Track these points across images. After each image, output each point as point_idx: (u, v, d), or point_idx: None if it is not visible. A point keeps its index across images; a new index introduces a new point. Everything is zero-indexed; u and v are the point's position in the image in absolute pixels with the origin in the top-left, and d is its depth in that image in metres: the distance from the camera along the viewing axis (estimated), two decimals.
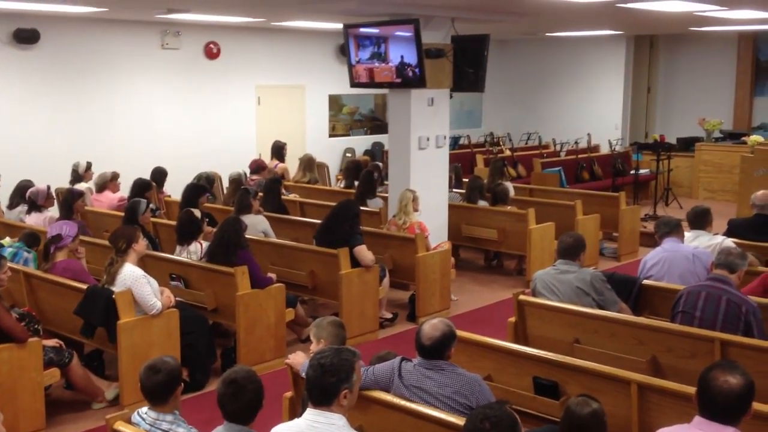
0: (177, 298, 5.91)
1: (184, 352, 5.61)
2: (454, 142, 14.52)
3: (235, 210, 7.41)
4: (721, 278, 4.70)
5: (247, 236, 6.60)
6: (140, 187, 8.32)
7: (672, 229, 5.74)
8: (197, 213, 6.94)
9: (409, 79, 7.81)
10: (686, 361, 4.45)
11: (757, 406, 3.04)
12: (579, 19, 10.30)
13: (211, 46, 12.11)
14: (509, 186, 9.62)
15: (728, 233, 6.72)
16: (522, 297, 5.26)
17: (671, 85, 15.67)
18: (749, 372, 3.04)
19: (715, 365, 3.03)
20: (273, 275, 6.51)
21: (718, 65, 14.81)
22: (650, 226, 10.94)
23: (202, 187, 8.27)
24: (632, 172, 12.74)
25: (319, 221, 7.36)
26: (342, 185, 10.56)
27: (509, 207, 9.02)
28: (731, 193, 12.34)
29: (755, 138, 12.50)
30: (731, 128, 14.33)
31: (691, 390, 3.02)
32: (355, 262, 6.75)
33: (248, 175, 9.94)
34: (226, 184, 9.81)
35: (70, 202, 7.63)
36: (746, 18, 10.12)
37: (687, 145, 13.81)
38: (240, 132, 12.62)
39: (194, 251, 6.53)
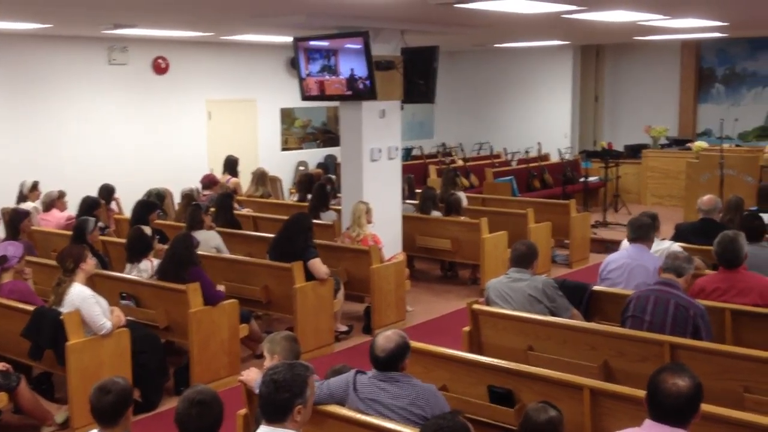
0: (128, 317, 5.81)
1: (135, 372, 5.51)
2: (407, 154, 14.58)
3: (187, 226, 7.32)
4: (669, 282, 4.78)
5: (199, 252, 6.53)
6: (88, 205, 8.17)
7: (639, 235, 5.81)
8: (147, 230, 6.84)
9: (360, 92, 7.82)
10: (637, 364, 4.51)
11: (705, 407, 3.09)
12: (526, 30, 10.45)
13: (160, 61, 11.99)
14: (462, 196, 9.68)
15: (675, 237, 6.84)
16: (476, 306, 5.28)
17: (618, 93, 15.97)
18: (698, 374, 3.09)
19: (664, 368, 3.08)
20: (222, 287, 6.45)
21: (663, 73, 15.14)
22: (601, 233, 11.15)
23: (152, 203, 8.17)
24: (582, 179, 12.93)
25: (272, 235, 7.32)
26: (295, 198, 10.52)
27: (462, 217, 9.09)
28: (678, 198, 12.59)
29: (700, 144, 12.77)
30: (676, 135, 14.63)
31: (642, 393, 3.06)
32: (309, 276, 6.72)
33: (200, 190, 9.84)
34: (177, 200, 9.69)
35: (15, 222, 7.47)
36: (689, 27, 10.37)
37: (634, 152, 14.06)
38: (191, 147, 12.49)
39: (145, 269, 6.43)
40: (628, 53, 15.48)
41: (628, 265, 5.67)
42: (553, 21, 8.61)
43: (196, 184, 9.91)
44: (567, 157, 14.01)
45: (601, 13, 8.10)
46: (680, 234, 6.94)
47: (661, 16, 8.82)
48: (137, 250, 6.52)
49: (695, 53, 14.77)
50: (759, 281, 5.15)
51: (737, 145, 13.41)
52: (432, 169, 13.51)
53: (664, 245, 6.15)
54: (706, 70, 14.85)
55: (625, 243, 6.28)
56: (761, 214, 6.74)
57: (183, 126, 12.42)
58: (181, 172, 11.59)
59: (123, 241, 7.20)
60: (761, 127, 14.24)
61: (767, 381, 4.11)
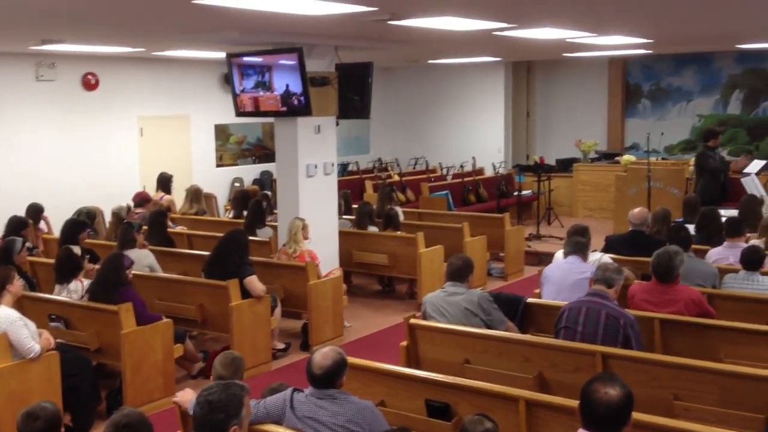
0: (57, 340, 5.65)
1: (66, 396, 5.36)
2: (343, 169, 14.60)
3: (118, 245, 7.17)
4: (600, 293, 4.89)
5: (133, 272, 6.40)
6: (15, 225, 7.93)
7: (574, 250, 5.94)
8: (77, 250, 6.68)
9: (295, 108, 7.81)
10: (570, 375, 4.59)
11: (636, 415, 3.16)
12: (460, 47, 10.60)
13: (89, 77, 11.75)
14: (399, 211, 9.74)
15: (606, 249, 7.01)
16: (413, 321, 5.31)
17: (549, 108, 16.31)
18: (628, 382, 3.17)
19: (595, 378, 3.14)
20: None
21: (592, 89, 15.54)
22: (535, 245, 11.34)
23: (82, 222, 7.98)
24: (516, 193, 13.15)
25: (207, 253, 7.22)
26: (230, 215, 10.42)
27: (399, 232, 9.13)
28: (608, 211, 12.90)
29: (628, 158, 13.14)
30: (606, 149, 15.02)
31: (576, 404, 3.11)
32: (245, 293, 6.65)
33: (132, 208, 9.65)
34: (108, 218, 9.48)
35: None
36: (615, 44, 10.68)
37: (565, 165, 14.36)
38: (122, 164, 12.25)
39: (75, 290, 6.27)
40: (558, 69, 15.84)
41: (559, 279, 5.80)
42: (485, 38, 8.76)
43: (128, 201, 9.72)
44: (501, 171, 14.23)
45: (530, 31, 8.28)
46: (610, 245, 7.11)
47: (588, 34, 9.07)
48: (66, 270, 6.35)
49: (622, 70, 15.21)
50: (686, 292, 5.31)
51: (663, 159, 13.85)
52: (368, 185, 13.56)
53: (595, 257, 6.29)
54: (633, 85, 15.30)
55: (559, 255, 6.42)
56: (687, 225, 6.98)
57: (114, 143, 12.18)
58: (112, 189, 11.35)
59: (52, 261, 7.01)
60: (686, 140, 14.74)
61: (695, 388, 4.23)
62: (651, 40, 10.43)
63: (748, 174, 10.04)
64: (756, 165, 10.47)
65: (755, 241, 6.72)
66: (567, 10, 7.01)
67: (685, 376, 4.27)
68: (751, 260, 5.85)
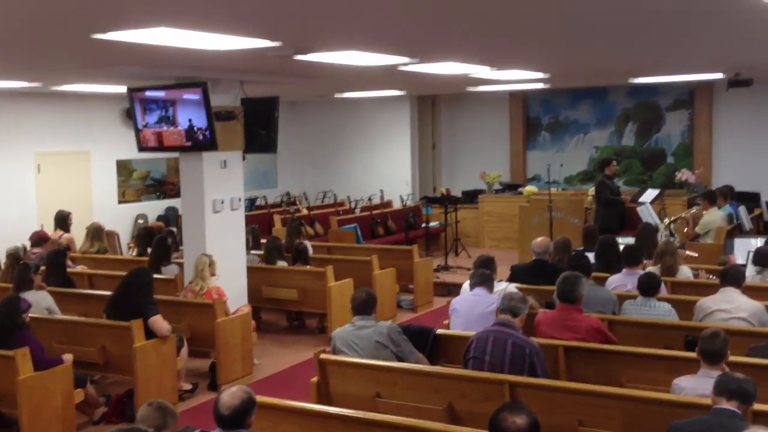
0: None
1: None
2: (251, 204, 14.46)
3: (14, 287, 6.86)
4: (506, 323, 4.99)
5: (30, 315, 6.12)
6: None
7: (480, 281, 6.04)
8: None
9: (200, 143, 7.72)
10: (480, 404, 4.64)
11: None
12: (365, 81, 10.73)
13: None
14: (308, 245, 9.70)
15: (511, 278, 7.17)
16: (323, 356, 5.28)
17: (454, 141, 16.64)
18: (535, 410, 3.24)
19: (503, 407, 3.20)
20: (68, 356, 6.08)
21: (494, 122, 15.94)
22: (443, 276, 11.48)
23: None
24: (423, 225, 13.30)
25: (109, 293, 7.01)
26: (134, 253, 10.15)
27: (308, 266, 9.09)
28: (513, 240, 13.18)
29: (530, 189, 13.52)
30: (509, 180, 15.39)
31: None
32: (149, 334, 6.46)
33: (29, 248, 9.28)
34: (3, 259, 9.07)
35: None
36: (515, 79, 11.02)
37: (471, 197, 14.64)
38: (18, 203, 11.76)
39: None
40: (462, 103, 16.21)
41: (466, 312, 5.90)
42: (390, 73, 8.90)
43: (24, 241, 9.34)
44: (409, 203, 14.39)
45: (434, 65, 8.46)
46: (516, 275, 7.28)
47: (489, 69, 9.34)
48: None
49: (522, 103, 15.69)
50: (587, 321, 5.48)
51: (563, 189, 14.30)
52: (277, 219, 13.46)
53: (501, 286, 6.42)
54: (533, 118, 15.79)
55: (466, 286, 6.52)
56: (587, 254, 7.22)
57: (9, 180, 11.70)
58: (7, 229, 10.88)
59: None
60: (584, 171, 15.27)
61: (599, 413, 4.35)
62: (548, 75, 10.82)
63: (643, 203, 10.47)
64: (650, 194, 10.94)
65: (651, 268, 7.01)
66: (468, 47, 7.21)
67: (588, 402, 4.39)
68: (647, 286, 6.09)
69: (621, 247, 7.48)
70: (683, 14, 5.55)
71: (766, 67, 10.26)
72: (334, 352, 5.36)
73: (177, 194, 12.89)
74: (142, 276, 6.75)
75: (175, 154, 9.21)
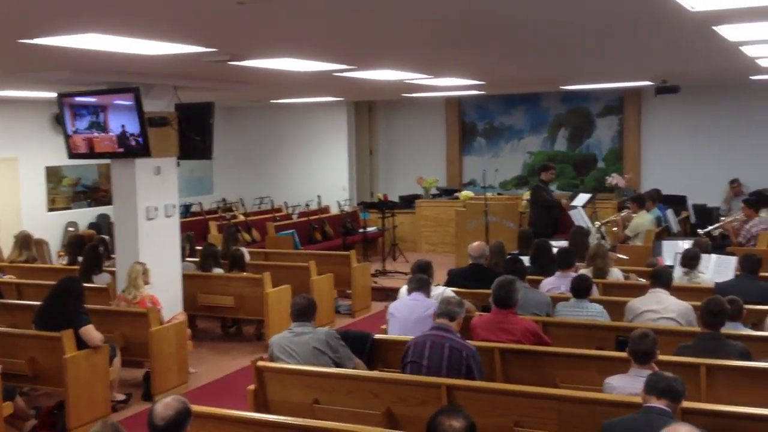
0: None
1: None
2: (186, 210, 14.26)
3: None
4: (443, 327, 5.03)
5: None
6: None
7: (417, 286, 6.06)
8: None
9: (133, 149, 7.58)
10: (418, 408, 4.66)
11: None
12: (301, 87, 10.69)
13: None
14: (244, 251, 9.61)
15: (448, 283, 7.23)
16: (260, 363, 5.23)
17: (391, 146, 16.73)
18: (472, 412, 3.28)
19: (440, 411, 3.23)
20: None
21: (431, 128, 16.10)
22: (381, 281, 11.51)
23: None
24: (361, 230, 13.32)
25: (38, 303, 6.81)
26: (64, 262, 9.89)
27: (245, 272, 9.01)
28: (450, 245, 13.31)
29: (466, 194, 13.66)
30: (445, 185, 15.55)
31: None
32: (81, 344, 6.31)
33: None
34: None
35: None
36: (450, 85, 11.15)
37: (408, 202, 14.73)
38: None
39: None
40: (399, 109, 16.31)
41: (403, 318, 5.93)
42: (326, 79, 8.90)
43: None
44: (346, 208, 14.39)
45: (370, 72, 8.50)
46: (453, 279, 7.34)
47: (425, 76, 9.43)
48: None
49: (458, 109, 15.87)
50: (522, 323, 5.56)
51: (499, 194, 14.49)
52: (213, 225, 13.29)
53: (438, 291, 6.47)
54: (469, 124, 15.99)
55: (403, 291, 6.56)
56: (522, 257, 7.33)
57: None
58: None
59: None
60: (518, 176, 15.54)
61: (534, 414, 4.42)
62: (483, 82, 10.98)
63: (575, 207, 10.70)
64: (582, 198, 11.18)
65: (584, 271, 7.16)
66: (404, 56, 7.28)
67: (524, 403, 4.45)
68: (580, 288, 6.23)
69: (555, 251, 7.63)
70: (609, 26, 5.71)
71: (692, 75, 10.63)
72: (272, 359, 5.33)
73: (109, 201, 12.63)
74: (73, 285, 6.58)
75: (107, 161, 9.01)
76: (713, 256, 7.75)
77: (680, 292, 6.42)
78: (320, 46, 6.32)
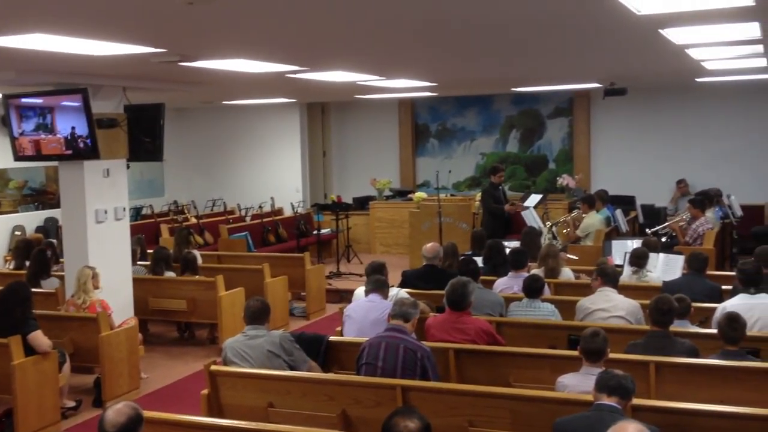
0: None
1: None
2: (136, 213, 14.05)
3: None
4: (398, 328, 5.04)
5: None
6: None
7: (375, 287, 6.06)
8: None
9: (81, 151, 7.44)
10: (373, 410, 4.67)
11: None
12: (253, 88, 10.62)
13: None
14: (197, 254, 9.50)
15: (402, 284, 7.26)
16: (214, 367, 5.18)
17: (344, 148, 16.72)
18: (427, 413, 3.30)
19: (395, 412, 3.24)
20: None
21: (384, 129, 16.13)
22: (336, 283, 11.49)
23: None
24: (315, 232, 13.28)
25: None
26: (11, 267, 9.66)
27: (198, 276, 8.91)
28: (404, 246, 13.34)
29: (419, 195, 13.72)
30: (399, 186, 15.59)
31: None
32: (29, 350, 6.18)
33: None
34: None
35: None
36: (403, 87, 11.19)
37: (362, 203, 14.72)
38: None
39: None
40: (352, 110, 16.31)
41: (360, 319, 5.93)
42: (278, 80, 8.85)
43: None
44: (300, 210, 14.34)
45: (322, 74, 8.48)
46: (407, 280, 7.37)
47: (377, 77, 9.44)
48: None
49: (411, 111, 15.93)
50: (476, 323, 5.61)
51: (452, 195, 14.59)
52: (164, 228, 13.12)
53: (393, 292, 6.48)
54: (422, 126, 16.06)
55: (359, 292, 6.56)
56: (475, 258, 7.39)
57: None
58: None
59: None
60: (471, 177, 15.66)
61: (488, 413, 4.46)
62: (435, 84, 11.04)
63: (527, 208, 10.82)
64: (533, 199, 11.31)
65: (536, 271, 7.24)
66: (355, 56, 7.28)
67: (478, 403, 4.49)
68: (532, 288, 6.30)
69: (507, 251, 7.70)
70: (558, 29, 5.80)
71: (639, 77, 10.84)
72: (225, 362, 5.28)
73: (57, 204, 12.39)
74: (20, 290, 6.44)
75: (55, 163, 8.83)
76: (661, 255, 7.90)
77: (629, 291, 6.54)
78: (272, 47, 6.29)
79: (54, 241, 10.84)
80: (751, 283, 5.86)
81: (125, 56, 6.05)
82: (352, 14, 4.78)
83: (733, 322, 4.89)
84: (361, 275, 9.73)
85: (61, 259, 9.05)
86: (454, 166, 15.28)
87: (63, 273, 8.13)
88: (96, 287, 7.25)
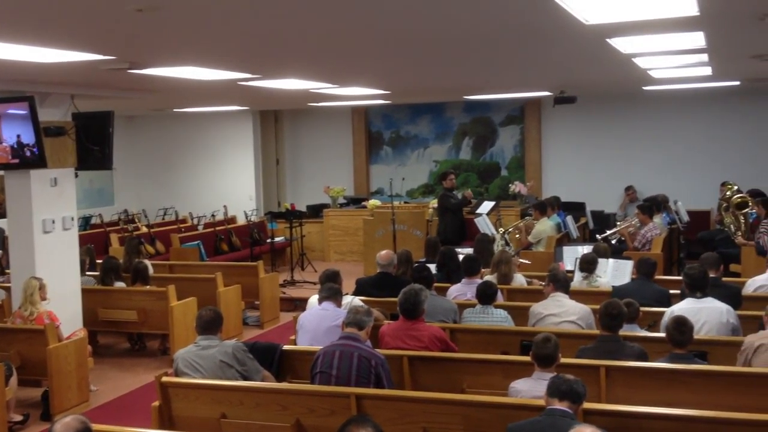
0: None
1: None
2: (85, 223, 13.80)
3: None
4: (352, 336, 5.04)
5: None
6: None
7: (328, 295, 6.04)
8: None
9: (28, 159, 7.29)
10: (327, 419, 4.66)
11: None
12: (205, 96, 10.53)
13: None
14: (148, 264, 9.36)
15: (357, 291, 7.25)
16: (164, 379, 5.11)
17: (298, 156, 16.67)
18: (381, 421, 3.30)
19: (349, 421, 3.23)
20: None
21: (338, 137, 16.13)
22: (290, 291, 11.43)
23: None
24: (269, 240, 13.20)
25: None
26: None
27: (149, 286, 8.79)
28: (358, 254, 13.35)
29: (373, 202, 13.73)
30: (353, 194, 15.59)
31: None
32: None
33: None
34: None
35: None
36: (356, 95, 11.21)
37: (316, 211, 14.69)
38: None
39: None
40: (305, 118, 16.27)
41: (314, 328, 5.91)
42: (230, 87, 8.80)
43: None
44: (253, 218, 14.23)
45: (275, 81, 8.45)
46: (361, 288, 7.37)
47: (330, 85, 9.44)
48: None
49: (364, 118, 15.96)
50: (430, 330, 5.63)
51: (406, 202, 14.63)
52: (114, 238, 12.90)
53: (347, 300, 6.47)
54: (375, 133, 16.10)
55: (312, 301, 6.53)
56: (429, 265, 7.43)
57: None
58: None
59: None
60: (425, 184, 15.73)
61: (442, 420, 4.48)
62: (388, 92, 11.08)
63: (480, 215, 10.91)
64: (486, 206, 11.41)
65: (489, 277, 7.31)
66: (307, 64, 7.27)
67: (432, 410, 4.50)
68: (485, 295, 6.36)
69: (461, 258, 7.75)
70: (507, 38, 5.87)
71: (588, 85, 11.03)
72: (177, 373, 5.21)
73: (3, 214, 12.10)
74: None
75: (0, 172, 8.64)
76: (610, 260, 8.04)
77: (580, 296, 6.63)
78: (222, 55, 6.25)
79: (0, 251, 10.59)
80: (697, 288, 5.98)
81: (73, 63, 5.95)
82: (304, 23, 4.78)
83: (681, 325, 4.99)
84: (315, 283, 9.70)
85: (7, 270, 8.85)
86: (407, 173, 15.34)
87: (9, 284, 7.95)
88: (43, 299, 7.10)
